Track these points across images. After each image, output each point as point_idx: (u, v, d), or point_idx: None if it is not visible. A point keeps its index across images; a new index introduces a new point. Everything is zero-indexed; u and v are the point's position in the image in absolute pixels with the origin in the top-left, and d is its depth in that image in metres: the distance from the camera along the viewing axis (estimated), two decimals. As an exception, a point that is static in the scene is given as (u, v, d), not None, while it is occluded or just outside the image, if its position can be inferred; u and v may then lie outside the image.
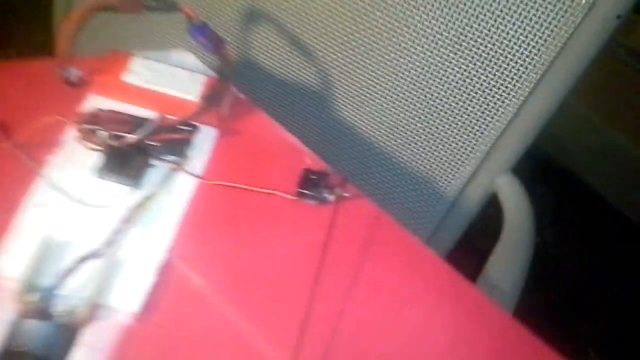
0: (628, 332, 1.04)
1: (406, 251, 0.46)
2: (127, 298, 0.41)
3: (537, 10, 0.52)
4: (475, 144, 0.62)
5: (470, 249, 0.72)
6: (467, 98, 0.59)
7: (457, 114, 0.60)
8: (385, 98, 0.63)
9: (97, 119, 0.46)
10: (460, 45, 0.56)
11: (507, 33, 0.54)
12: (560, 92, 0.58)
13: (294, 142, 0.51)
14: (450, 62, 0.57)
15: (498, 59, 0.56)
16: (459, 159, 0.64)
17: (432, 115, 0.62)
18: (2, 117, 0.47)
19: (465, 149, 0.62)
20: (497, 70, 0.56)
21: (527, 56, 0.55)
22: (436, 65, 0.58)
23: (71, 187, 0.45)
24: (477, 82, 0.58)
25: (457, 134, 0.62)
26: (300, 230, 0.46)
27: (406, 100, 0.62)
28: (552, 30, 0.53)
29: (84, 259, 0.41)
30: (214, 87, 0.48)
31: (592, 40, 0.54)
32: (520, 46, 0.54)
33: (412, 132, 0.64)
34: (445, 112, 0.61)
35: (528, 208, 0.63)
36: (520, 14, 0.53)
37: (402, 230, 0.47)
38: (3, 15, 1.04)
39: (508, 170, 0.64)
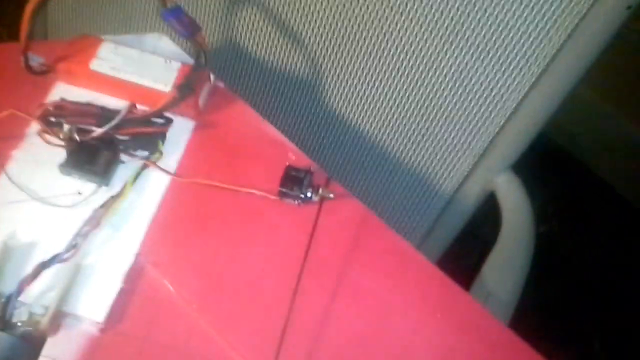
0: (634, 324, 1.02)
1: (394, 255, 0.43)
2: (92, 306, 0.38)
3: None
4: (472, 140, 0.58)
5: (466, 250, 0.69)
6: (463, 91, 0.55)
7: (452, 108, 0.57)
8: (378, 89, 0.59)
9: (61, 110, 0.42)
10: (457, 34, 0.52)
11: (507, 23, 0.50)
12: (563, 87, 0.54)
13: (277, 136, 0.47)
14: (446, 53, 0.54)
15: (497, 50, 0.52)
16: (454, 156, 0.60)
17: (426, 109, 0.58)
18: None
19: (462, 145, 0.59)
20: (496, 63, 0.53)
21: (528, 49, 0.51)
22: (431, 56, 0.54)
23: (33, 184, 0.42)
24: (474, 75, 0.54)
25: (452, 129, 0.58)
26: (281, 232, 0.43)
27: (399, 93, 0.58)
28: (555, 21, 0.49)
29: (46, 264, 0.38)
30: (190, 76, 0.44)
31: (599, 33, 0.50)
32: (520, 38, 0.51)
33: (405, 126, 0.60)
34: (440, 106, 0.57)
35: (528, 208, 0.60)
36: (521, 2, 0.49)
37: (391, 232, 0.44)
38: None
39: (507, 168, 0.60)
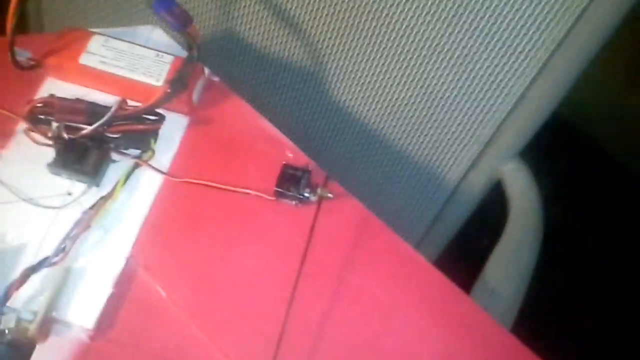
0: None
1: (395, 258, 0.42)
2: (82, 312, 0.37)
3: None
4: (477, 128, 0.56)
5: (473, 240, 0.67)
6: (468, 77, 0.53)
7: (457, 94, 0.54)
8: (379, 77, 0.57)
9: (49, 107, 0.40)
10: (461, 18, 0.49)
11: (512, 6, 0.48)
12: (572, 71, 0.52)
13: (274, 133, 0.45)
14: (449, 37, 0.51)
15: (502, 34, 0.49)
16: (459, 144, 0.58)
17: (429, 96, 0.56)
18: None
19: (467, 133, 0.57)
20: (502, 47, 0.50)
21: (535, 32, 0.48)
22: (433, 41, 0.52)
23: (22, 185, 0.40)
24: (478, 60, 0.51)
25: (457, 116, 0.56)
26: (277, 234, 0.41)
27: (401, 79, 0.56)
28: (562, 3, 0.46)
29: (35, 269, 0.37)
30: (182, 70, 0.42)
31: (609, 13, 0.48)
32: (527, 21, 0.48)
33: (407, 114, 0.58)
34: (444, 93, 0.55)
35: (536, 196, 0.58)
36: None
37: (391, 233, 0.42)
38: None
39: (514, 156, 0.58)
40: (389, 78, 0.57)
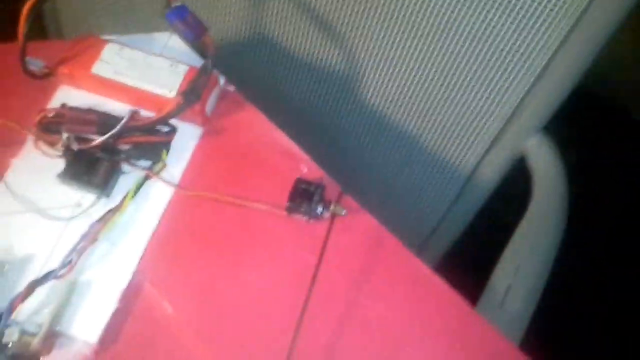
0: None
1: (410, 278, 0.40)
2: (86, 326, 0.36)
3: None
4: (499, 102, 0.53)
5: (496, 218, 0.64)
6: (488, 51, 0.50)
7: (477, 69, 0.52)
8: (395, 52, 0.54)
9: (60, 117, 0.40)
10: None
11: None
12: (597, 40, 0.49)
13: (288, 145, 0.44)
14: (468, 11, 0.48)
15: (523, 5, 0.46)
16: (480, 120, 0.55)
17: (448, 72, 0.53)
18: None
19: (488, 109, 0.54)
20: (523, 19, 0.47)
21: (557, 1, 0.46)
22: (451, 15, 0.49)
23: (32, 195, 0.40)
24: (499, 33, 0.48)
25: (478, 92, 0.53)
26: (288, 251, 0.40)
27: (418, 55, 0.53)
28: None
29: (40, 282, 0.37)
30: (196, 80, 0.42)
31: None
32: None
33: (426, 91, 0.55)
34: (464, 69, 0.52)
35: (561, 172, 0.54)
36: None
37: (407, 252, 0.40)
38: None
39: (537, 131, 0.55)
40: (406, 55, 0.54)
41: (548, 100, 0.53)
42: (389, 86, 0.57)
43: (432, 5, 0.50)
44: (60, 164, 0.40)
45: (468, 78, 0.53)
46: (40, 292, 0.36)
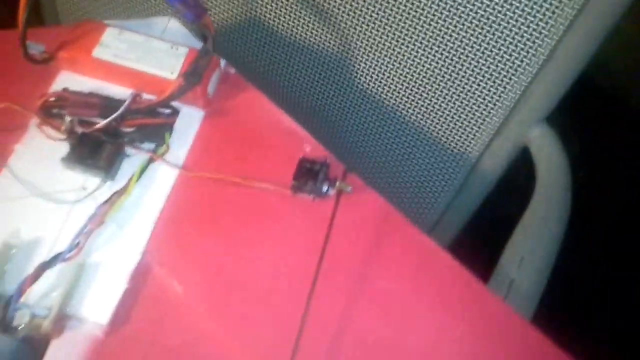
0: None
1: (417, 253, 0.40)
2: (96, 308, 0.37)
3: None
4: (502, 92, 0.54)
5: (499, 209, 0.64)
6: (492, 38, 0.50)
7: (480, 57, 0.52)
8: (397, 40, 0.54)
9: (62, 101, 0.40)
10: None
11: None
12: (601, 28, 0.49)
13: (291, 126, 0.44)
14: None
15: None
16: (483, 110, 0.55)
17: (451, 60, 0.53)
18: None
19: (491, 98, 0.54)
20: (527, 5, 0.47)
21: None
22: (454, 1, 0.49)
23: (36, 179, 0.40)
24: (502, 19, 0.48)
25: (481, 80, 0.53)
26: (295, 229, 0.40)
27: (421, 42, 0.53)
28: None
29: (48, 265, 0.37)
30: (197, 62, 0.42)
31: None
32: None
33: (427, 80, 0.56)
34: (467, 56, 0.52)
35: (564, 163, 0.54)
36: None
37: (413, 228, 0.41)
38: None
39: (541, 121, 0.55)
40: (409, 42, 0.54)
41: (552, 90, 0.53)
42: (391, 75, 0.57)
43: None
44: (63, 148, 0.40)
45: (471, 65, 0.53)
46: (49, 276, 0.36)
